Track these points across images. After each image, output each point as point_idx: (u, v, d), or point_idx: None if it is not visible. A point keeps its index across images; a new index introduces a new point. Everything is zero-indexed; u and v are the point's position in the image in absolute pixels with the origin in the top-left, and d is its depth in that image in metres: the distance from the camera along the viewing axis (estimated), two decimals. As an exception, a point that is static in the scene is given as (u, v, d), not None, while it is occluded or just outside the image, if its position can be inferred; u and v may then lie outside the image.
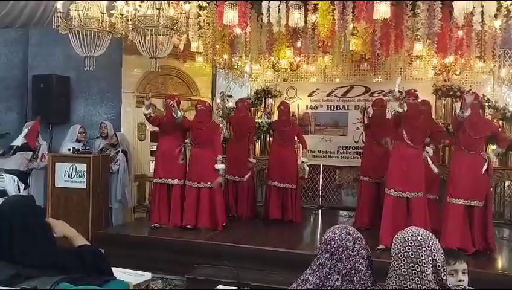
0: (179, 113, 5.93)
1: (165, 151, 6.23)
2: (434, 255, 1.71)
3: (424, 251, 1.70)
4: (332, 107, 8.07)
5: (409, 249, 1.72)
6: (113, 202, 6.91)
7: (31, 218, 2.26)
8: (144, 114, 6.13)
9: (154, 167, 6.36)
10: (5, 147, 6.65)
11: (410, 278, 1.69)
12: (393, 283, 1.72)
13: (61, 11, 4.84)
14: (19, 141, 6.61)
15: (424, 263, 1.69)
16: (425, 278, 1.68)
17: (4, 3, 6.94)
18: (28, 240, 2.20)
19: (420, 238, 1.73)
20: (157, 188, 6.26)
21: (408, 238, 1.74)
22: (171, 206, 6.20)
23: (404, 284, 1.69)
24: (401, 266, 1.71)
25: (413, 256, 1.70)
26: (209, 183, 5.99)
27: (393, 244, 1.79)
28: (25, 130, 6.66)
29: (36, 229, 2.25)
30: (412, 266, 1.70)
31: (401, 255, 1.72)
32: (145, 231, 6.04)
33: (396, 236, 1.81)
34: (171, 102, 5.97)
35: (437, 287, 1.69)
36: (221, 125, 6.84)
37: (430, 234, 1.77)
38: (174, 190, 6.22)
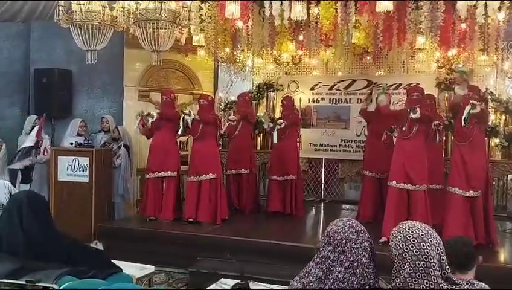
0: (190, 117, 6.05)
1: (158, 145, 6.26)
2: (437, 249, 1.68)
3: (429, 246, 1.67)
4: (334, 100, 8.05)
5: (412, 247, 1.67)
6: (116, 196, 6.93)
7: (42, 214, 2.28)
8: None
9: (148, 160, 6.38)
10: (19, 152, 6.54)
11: (417, 275, 1.65)
12: (399, 284, 1.68)
13: (63, 4, 4.83)
14: (31, 141, 6.52)
15: (431, 258, 1.66)
16: (432, 274, 1.65)
17: (2, 3, 6.94)
18: (36, 234, 2.21)
19: (422, 234, 1.69)
20: (151, 181, 6.29)
21: (410, 236, 1.69)
22: (163, 199, 6.27)
23: (409, 281, 1.65)
24: (407, 265, 1.67)
25: (418, 254, 1.66)
26: (210, 174, 6.01)
27: (393, 243, 1.73)
28: (35, 129, 6.61)
29: (45, 224, 2.26)
30: (418, 264, 1.66)
31: (405, 255, 1.68)
32: (147, 225, 6.05)
33: (394, 235, 1.74)
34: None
35: (443, 283, 1.67)
36: (223, 120, 6.85)
37: (429, 227, 1.74)
38: (168, 182, 6.27)
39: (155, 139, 6.33)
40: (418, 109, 5.01)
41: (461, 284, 1.71)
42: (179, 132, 6.21)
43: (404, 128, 5.18)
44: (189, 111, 6.18)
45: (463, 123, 4.85)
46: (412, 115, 5.02)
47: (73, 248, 2.34)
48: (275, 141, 6.62)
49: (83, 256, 2.33)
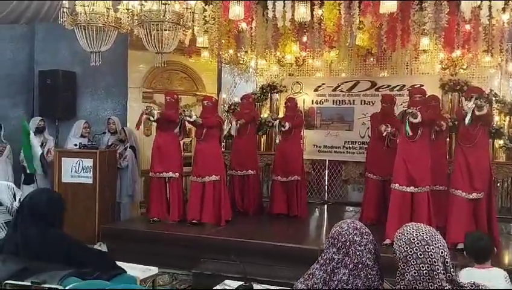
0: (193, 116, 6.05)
1: (161, 146, 6.26)
2: (442, 252, 1.67)
3: (433, 249, 1.65)
4: (338, 102, 8.04)
5: (417, 249, 1.66)
6: (123, 197, 6.94)
7: (41, 214, 2.28)
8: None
9: (151, 161, 6.39)
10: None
11: (421, 277, 1.64)
12: (403, 286, 1.67)
13: (67, 6, 4.85)
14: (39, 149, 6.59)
15: (435, 261, 1.64)
16: (436, 277, 1.64)
17: (8, 2, 6.96)
18: (33, 235, 2.22)
19: (426, 237, 1.68)
20: (154, 182, 6.30)
21: (414, 239, 1.68)
22: (169, 201, 6.27)
23: (414, 283, 1.64)
24: (411, 268, 1.66)
25: (422, 256, 1.65)
26: (213, 176, 6.01)
27: (397, 245, 1.72)
28: (33, 138, 6.60)
29: (44, 225, 2.27)
30: (423, 267, 1.64)
31: (409, 257, 1.67)
32: (151, 226, 6.06)
33: (398, 237, 1.73)
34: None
35: (448, 285, 1.66)
36: (226, 121, 6.85)
37: (433, 230, 1.73)
38: (172, 184, 6.27)
39: (157, 140, 6.34)
40: (418, 113, 4.98)
41: (465, 286, 1.70)
42: (175, 131, 6.21)
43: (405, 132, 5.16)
44: (190, 111, 6.19)
45: (467, 122, 4.82)
46: (413, 120, 5.00)
47: (77, 249, 2.34)
48: (279, 138, 6.63)
49: (87, 258, 2.33)
